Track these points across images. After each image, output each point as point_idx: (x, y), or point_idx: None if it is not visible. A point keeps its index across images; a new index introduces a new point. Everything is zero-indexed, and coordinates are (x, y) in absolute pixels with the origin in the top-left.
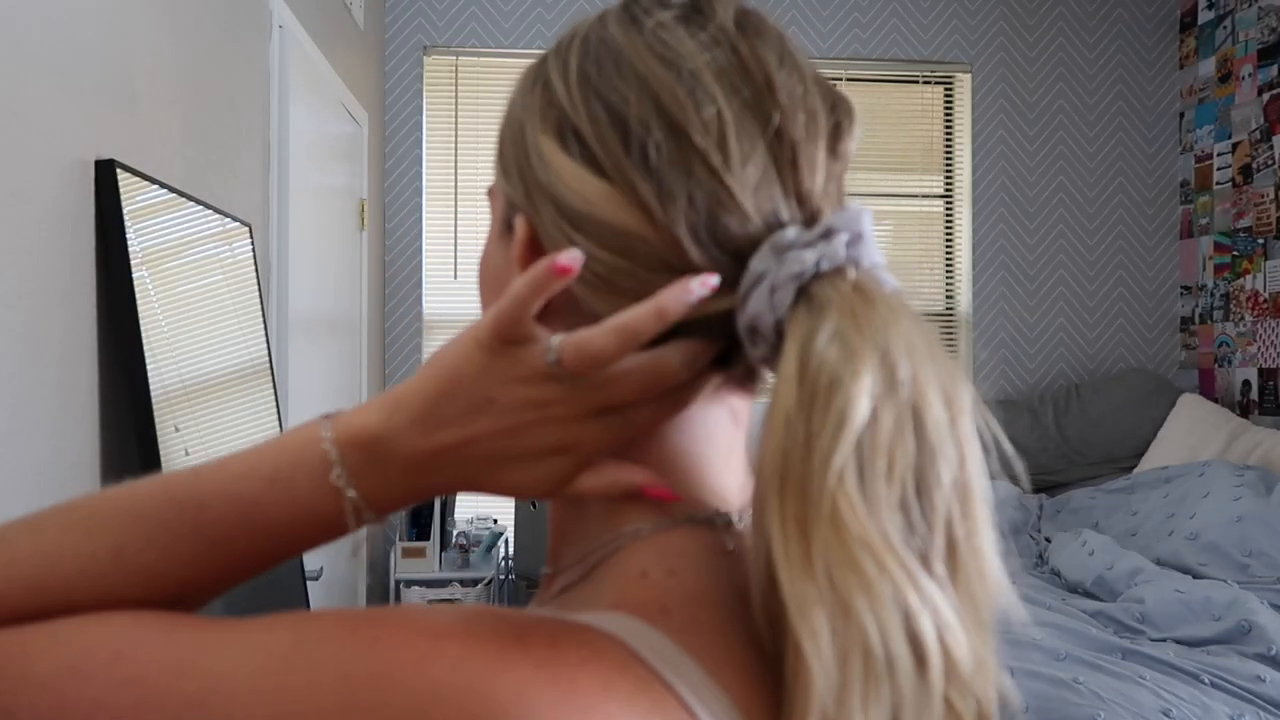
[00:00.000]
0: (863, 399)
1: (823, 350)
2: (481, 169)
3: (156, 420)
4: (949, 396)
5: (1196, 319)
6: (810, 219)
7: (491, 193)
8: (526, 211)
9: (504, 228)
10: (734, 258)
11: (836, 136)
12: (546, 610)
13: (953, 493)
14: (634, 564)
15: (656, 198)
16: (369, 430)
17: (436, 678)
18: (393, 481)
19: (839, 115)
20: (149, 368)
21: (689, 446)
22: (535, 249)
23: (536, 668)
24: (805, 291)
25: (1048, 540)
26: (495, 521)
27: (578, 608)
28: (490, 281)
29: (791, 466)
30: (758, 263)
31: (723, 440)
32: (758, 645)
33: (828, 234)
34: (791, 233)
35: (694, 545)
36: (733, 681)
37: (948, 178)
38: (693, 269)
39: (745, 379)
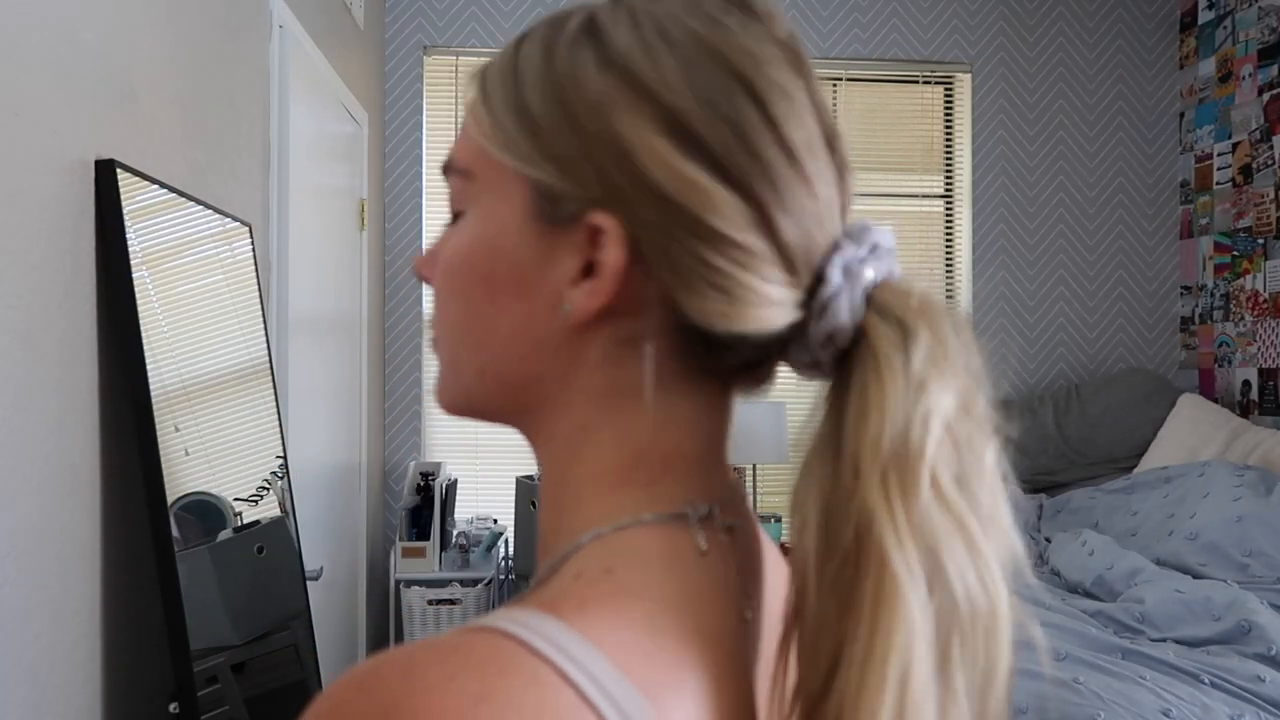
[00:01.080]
0: (949, 397)
1: (918, 359)
2: None
3: (156, 420)
4: (976, 396)
5: (1196, 319)
6: (853, 234)
7: (475, 167)
8: (610, 210)
9: (534, 215)
10: (811, 273)
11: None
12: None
13: (992, 476)
14: (576, 565)
15: (780, 212)
16: None
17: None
18: None
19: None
20: (149, 368)
21: (689, 444)
22: (634, 258)
23: (412, 712)
24: (871, 300)
25: (1048, 540)
26: (495, 521)
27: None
28: (506, 278)
29: (895, 448)
30: (834, 278)
31: (720, 436)
32: (701, 642)
33: (875, 249)
34: (854, 250)
35: (650, 544)
36: (643, 670)
37: (948, 178)
38: (781, 282)
39: (758, 381)
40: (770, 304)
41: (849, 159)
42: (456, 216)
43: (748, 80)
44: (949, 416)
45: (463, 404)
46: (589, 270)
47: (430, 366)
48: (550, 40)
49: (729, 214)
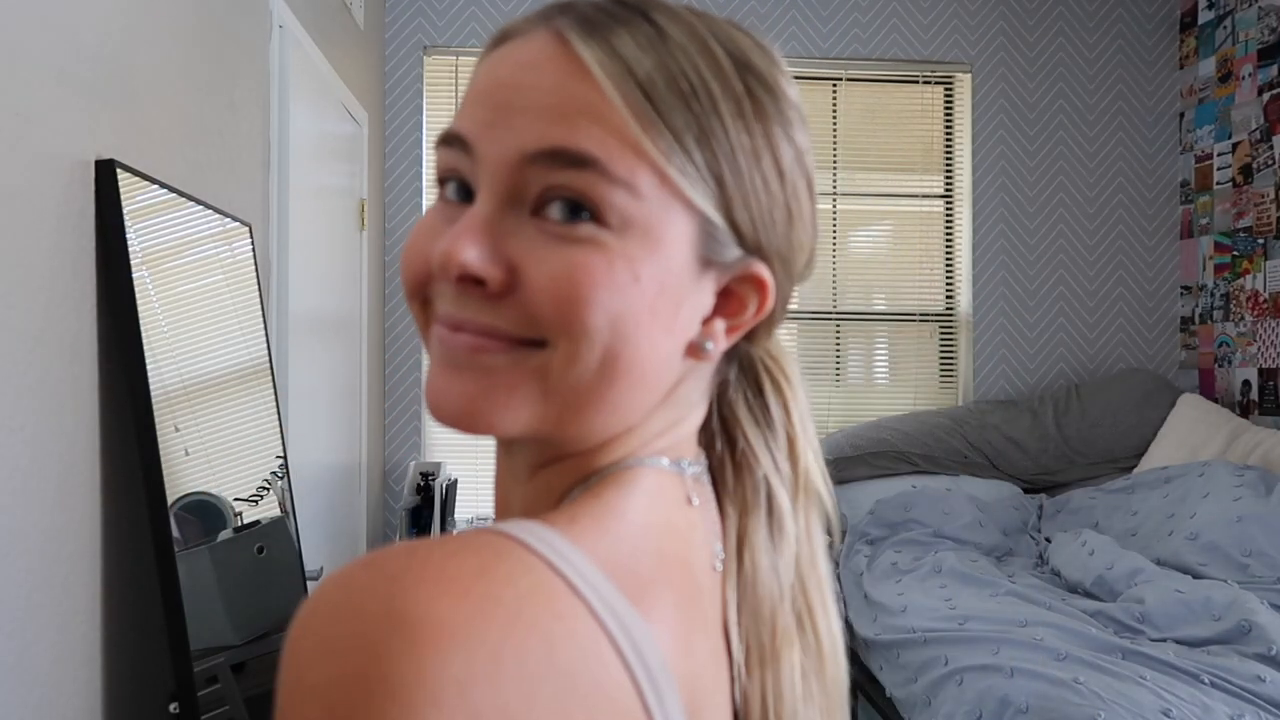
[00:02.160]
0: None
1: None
2: None
3: (156, 420)
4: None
5: (1196, 319)
6: None
7: (644, 186)
8: (765, 261)
9: (698, 252)
10: None
11: None
12: None
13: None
14: (577, 497)
15: (809, 253)
16: None
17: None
18: None
19: None
20: (149, 368)
21: (685, 412)
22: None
23: (417, 580)
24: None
25: (1048, 540)
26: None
27: None
28: (666, 312)
29: (805, 414)
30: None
31: (705, 411)
32: (678, 570)
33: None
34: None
35: (640, 480)
36: (624, 578)
37: (948, 178)
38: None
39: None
40: None
41: None
42: (571, 219)
43: (808, 173)
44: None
45: (510, 425)
46: (719, 307)
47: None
48: (710, 61)
49: (809, 267)
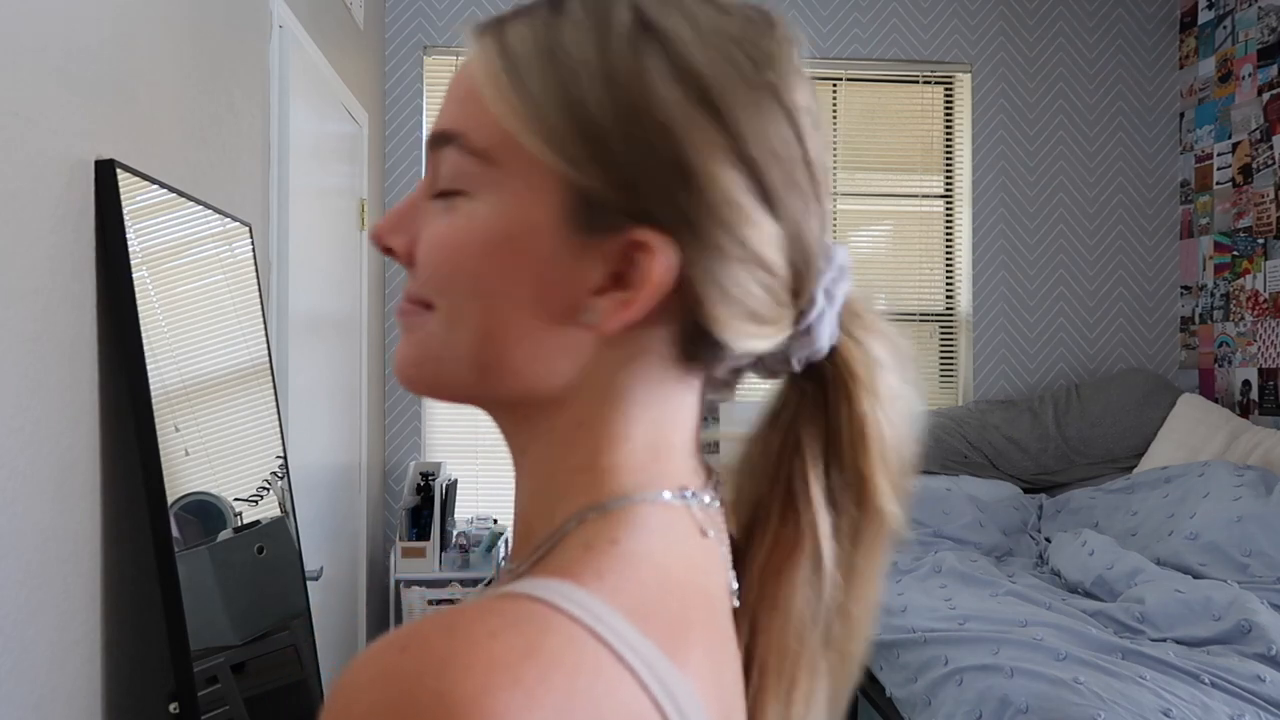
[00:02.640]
0: (909, 402)
1: (889, 379)
2: None
3: (156, 420)
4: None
5: (1196, 319)
6: (825, 254)
7: (498, 152)
8: (658, 228)
9: (569, 218)
10: (804, 293)
11: None
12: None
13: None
14: (581, 537)
15: (802, 240)
16: None
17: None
18: None
19: None
20: (149, 368)
21: (676, 436)
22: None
23: (465, 667)
24: (840, 321)
25: (1048, 540)
26: (495, 521)
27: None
28: (528, 277)
29: (887, 451)
30: (819, 301)
31: (691, 430)
32: (702, 605)
33: (841, 270)
34: (829, 272)
35: (649, 519)
36: (659, 630)
37: (948, 178)
38: (789, 304)
39: (733, 385)
40: (783, 324)
41: (827, 178)
42: (448, 194)
43: (792, 115)
44: (911, 416)
45: (438, 386)
46: (616, 280)
47: None
48: (602, 31)
49: (773, 244)
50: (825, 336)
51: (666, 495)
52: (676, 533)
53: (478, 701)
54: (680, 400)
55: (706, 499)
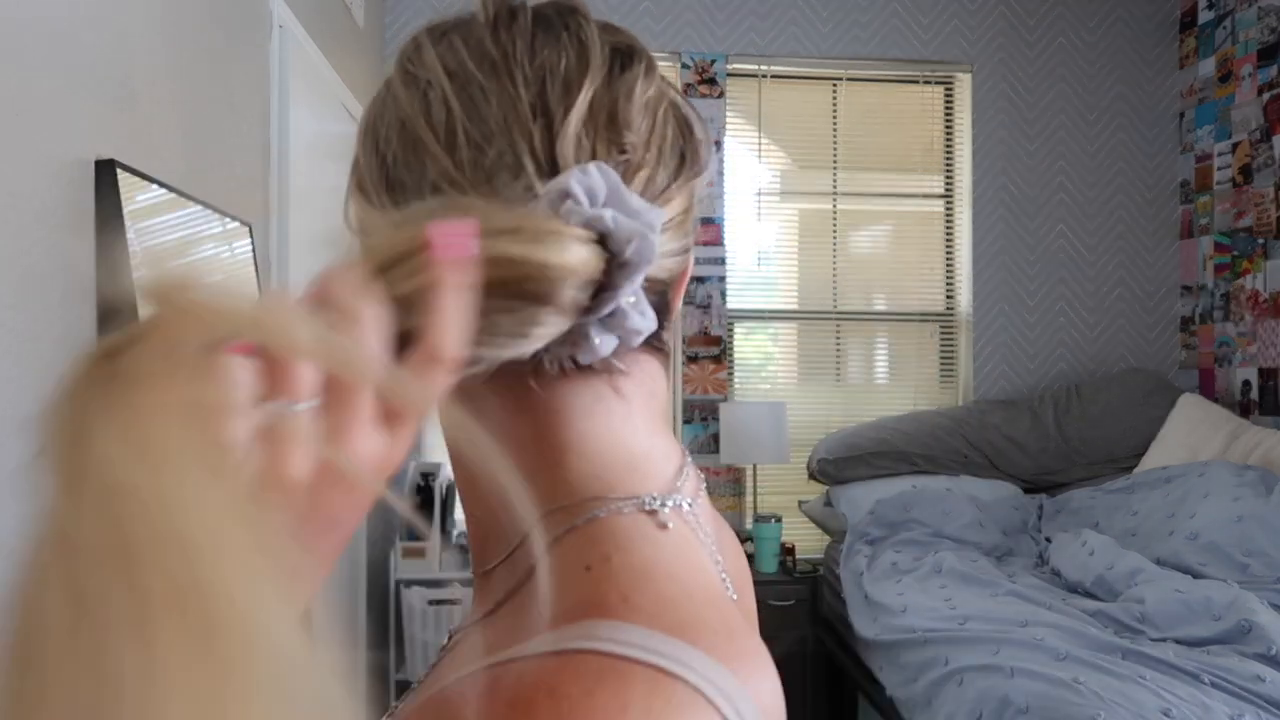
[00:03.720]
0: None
1: None
2: None
3: None
4: None
5: (1196, 319)
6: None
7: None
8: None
9: None
10: None
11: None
12: (524, 648)
13: None
14: (571, 562)
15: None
16: None
17: None
18: None
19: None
20: None
21: (596, 433)
22: None
23: None
24: None
25: (1048, 540)
26: None
27: (530, 620)
28: None
29: None
30: None
31: (634, 431)
32: (718, 602)
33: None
34: None
35: (621, 527)
36: (707, 638)
37: (948, 178)
38: None
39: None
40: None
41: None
42: None
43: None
44: None
45: None
46: None
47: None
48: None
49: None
50: None
51: (625, 504)
52: (651, 539)
53: None
54: (563, 402)
55: (676, 500)
